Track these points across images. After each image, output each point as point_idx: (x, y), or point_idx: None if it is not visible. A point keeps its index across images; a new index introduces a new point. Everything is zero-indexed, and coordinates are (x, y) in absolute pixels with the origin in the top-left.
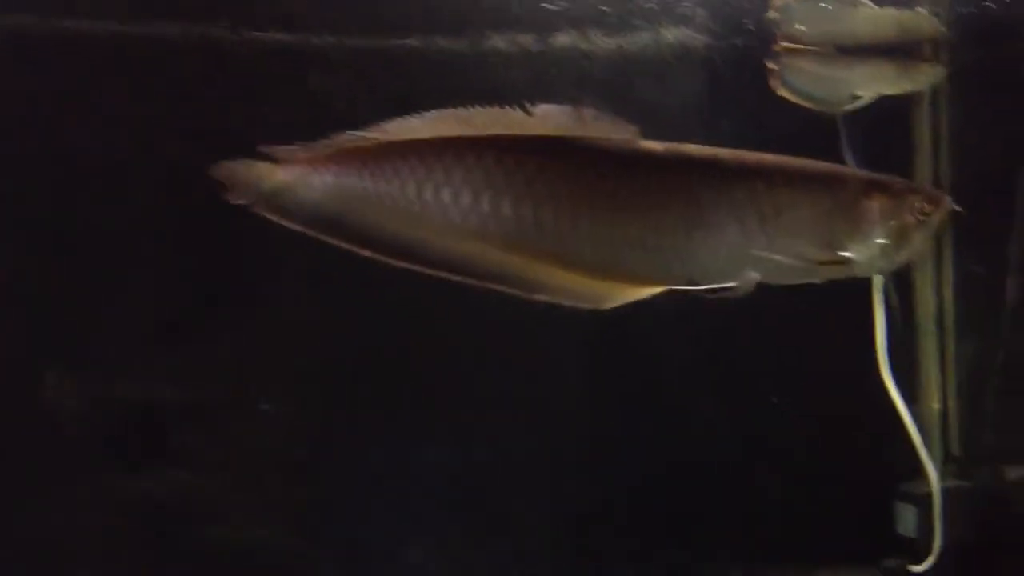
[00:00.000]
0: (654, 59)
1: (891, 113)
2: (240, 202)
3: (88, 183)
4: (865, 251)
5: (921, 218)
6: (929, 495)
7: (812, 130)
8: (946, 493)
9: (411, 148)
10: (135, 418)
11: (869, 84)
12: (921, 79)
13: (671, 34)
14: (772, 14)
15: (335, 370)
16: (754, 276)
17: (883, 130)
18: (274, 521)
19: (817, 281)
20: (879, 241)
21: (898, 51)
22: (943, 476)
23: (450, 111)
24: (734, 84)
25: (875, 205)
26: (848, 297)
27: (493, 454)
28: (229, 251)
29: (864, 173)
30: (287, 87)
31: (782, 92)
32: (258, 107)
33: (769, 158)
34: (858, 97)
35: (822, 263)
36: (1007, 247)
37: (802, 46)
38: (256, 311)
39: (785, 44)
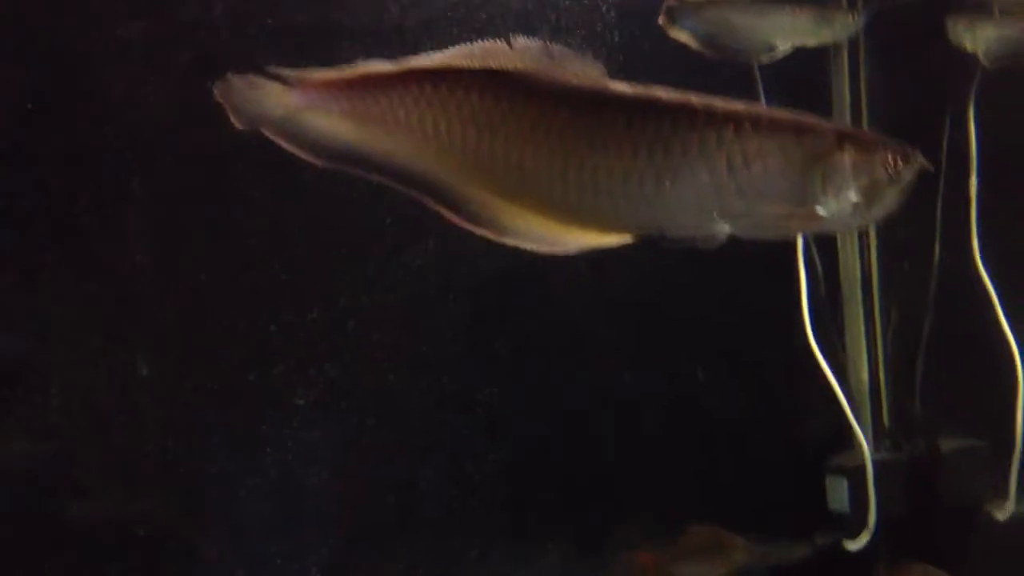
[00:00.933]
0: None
1: (808, 65)
2: (243, 126)
3: None
4: (836, 206)
5: (892, 174)
6: (861, 468)
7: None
8: (879, 466)
9: (412, 78)
10: None
11: (785, 34)
12: (839, 29)
13: None
14: None
15: (212, 336)
16: (724, 228)
17: (800, 82)
18: (148, 495)
19: (788, 236)
20: (851, 196)
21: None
22: (874, 448)
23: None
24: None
25: (847, 158)
26: (772, 266)
27: (388, 424)
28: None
29: (836, 124)
30: None
31: (675, 35)
32: None
33: (739, 105)
34: (774, 47)
35: (793, 217)
36: (932, 208)
37: None
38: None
39: None
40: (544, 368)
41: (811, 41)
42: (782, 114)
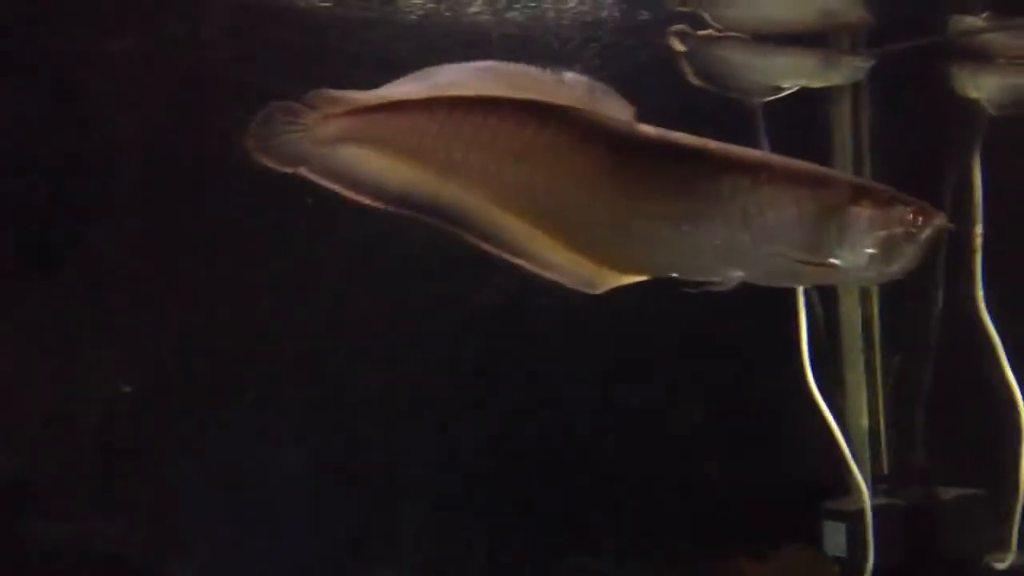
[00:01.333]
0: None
1: (811, 107)
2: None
3: None
4: (851, 258)
5: (910, 231)
6: (860, 513)
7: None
8: (877, 511)
9: (445, 105)
10: None
11: (791, 75)
12: (845, 72)
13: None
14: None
15: (184, 356)
16: (737, 274)
17: (802, 124)
18: (115, 515)
19: (803, 285)
20: (866, 250)
21: (822, 42)
22: (872, 494)
23: (491, 65)
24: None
25: (862, 212)
26: (773, 309)
27: (350, 445)
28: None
29: (854, 178)
30: None
31: (692, 78)
32: None
33: (756, 153)
34: (780, 88)
35: (807, 267)
36: (935, 254)
37: (716, 32)
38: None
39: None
40: (540, 406)
41: (816, 83)
42: (799, 165)
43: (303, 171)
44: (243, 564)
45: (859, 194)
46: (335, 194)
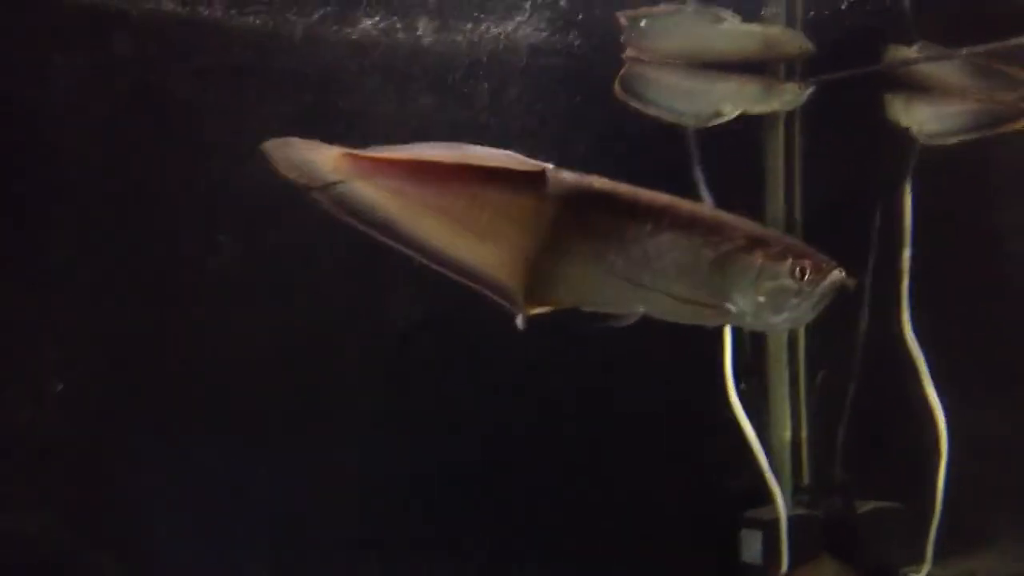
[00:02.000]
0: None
1: (745, 132)
2: (292, 179)
3: None
4: (743, 305)
5: (800, 284)
6: (775, 522)
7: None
8: (793, 521)
9: (468, 173)
10: None
11: (732, 101)
12: (786, 98)
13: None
14: (622, 24)
15: (116, 357)
16: (639, 309)
17: (736, 149)
18: (49, 512)
19: (701, 323)
20: (756, 298)
21: (764, 69)
22: (792, 504)
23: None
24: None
25: (753, 262)
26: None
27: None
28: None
29: (756, 228)
30: None
31: (621, 96)
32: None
33: (663, 199)
34: (722, 114)
35: (704, 309)
36: (861, 276)
37: (649, 58)
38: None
39: (631, 54)
40: (472, 424)
41: (757, 109)
42: (703, 211)
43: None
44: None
45: (753, 244)
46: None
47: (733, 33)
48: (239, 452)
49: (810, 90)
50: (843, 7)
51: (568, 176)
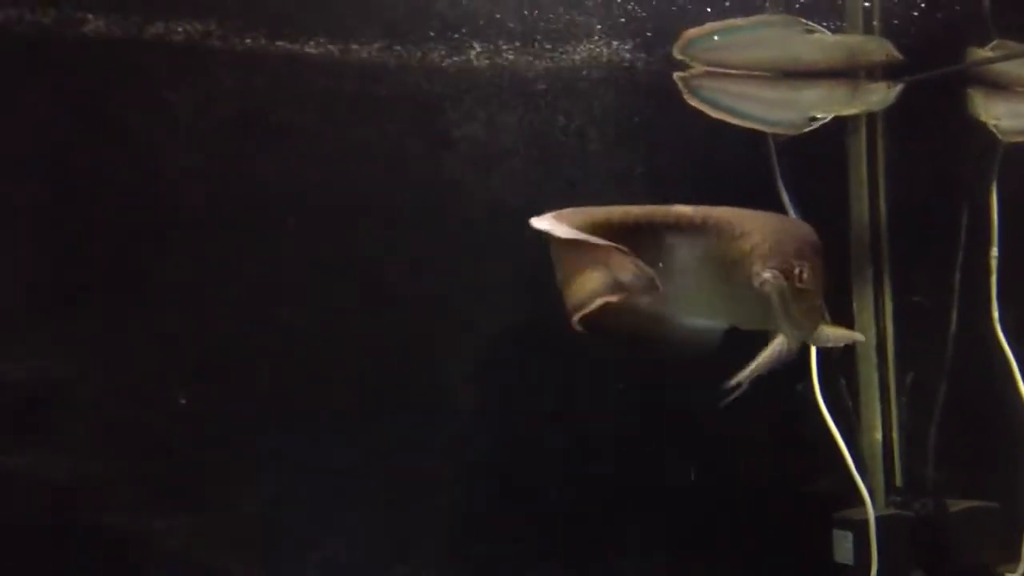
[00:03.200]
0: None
1: (826, 137)
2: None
3: None
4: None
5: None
6: (866, 522)
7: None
8: (883, 521)
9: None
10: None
11: (823, 106)
12: (875, 99)
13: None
14: (679, 47)
15: (236, 361)
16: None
17: (818, 154)
18: (170, 511)
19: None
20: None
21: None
22: (884, 505)
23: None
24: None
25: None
26: None
27: (404, 449)
28: (121, 235)
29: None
30: None
31: (693, 103)
32: None
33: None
34: (815, 119)
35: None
36: (951, 275)
37: (729, 71)
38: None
39: (702, 69)
40: (559, 429)
41: (848, 111)
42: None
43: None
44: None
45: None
46: None
47: (822, 43)
48: (365, 456)
49: (899, 89)
50: (917, 12)
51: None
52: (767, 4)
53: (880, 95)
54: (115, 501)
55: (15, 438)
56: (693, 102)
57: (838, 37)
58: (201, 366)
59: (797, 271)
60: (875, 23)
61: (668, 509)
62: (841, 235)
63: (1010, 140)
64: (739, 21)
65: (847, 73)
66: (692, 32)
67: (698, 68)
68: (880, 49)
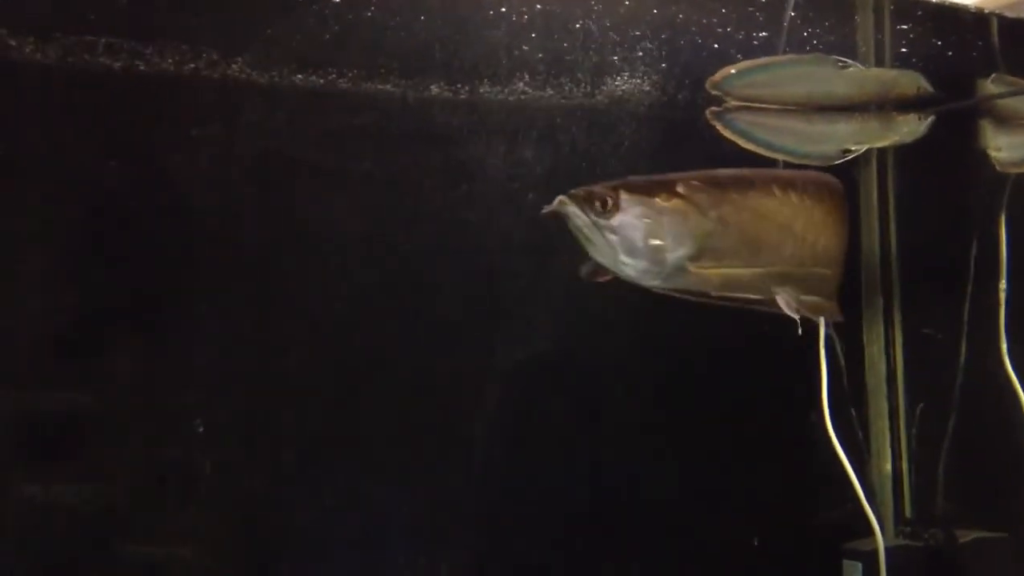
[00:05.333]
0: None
1: (837, 174)
2: None
3: None
4: None
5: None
6: (875, 553)
7: None
8: (893, 552)
9: None
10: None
11: (856, 138)
12: (906, 130)
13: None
14: (715, 83)
15: (263, 386)
16: None
17: None
18: (195, 542)
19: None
20: None
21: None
22: (894, 535)
23: None
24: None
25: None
26: (799, 358)
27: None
28: (148, 260)
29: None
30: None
31: (725, 133)
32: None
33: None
34: (848, 152)
35: None
36: (960, 307)
37: (763, 106)
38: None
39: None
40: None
41: (880, 144)
42: None
43: None
44: None
45: None
46: None
47: (856, 77)
48: (383, 483)
49: (930, 121)
50: (928, 48)
51: None
52: (786, 48)
53: (911, 127)
54: (141, 529)
55: (42, 467)
56: (727, 134)
57: (872, 71)
58: (224, 395)
59: (599, 202)
60: (887, 57)
61: (675, 539)
62: (852, 266)
63: (1007, 171)
64: (774, 59)
65: (879, 106)
66: (727, 69)
67: (732, 103)
68: (911, 82)
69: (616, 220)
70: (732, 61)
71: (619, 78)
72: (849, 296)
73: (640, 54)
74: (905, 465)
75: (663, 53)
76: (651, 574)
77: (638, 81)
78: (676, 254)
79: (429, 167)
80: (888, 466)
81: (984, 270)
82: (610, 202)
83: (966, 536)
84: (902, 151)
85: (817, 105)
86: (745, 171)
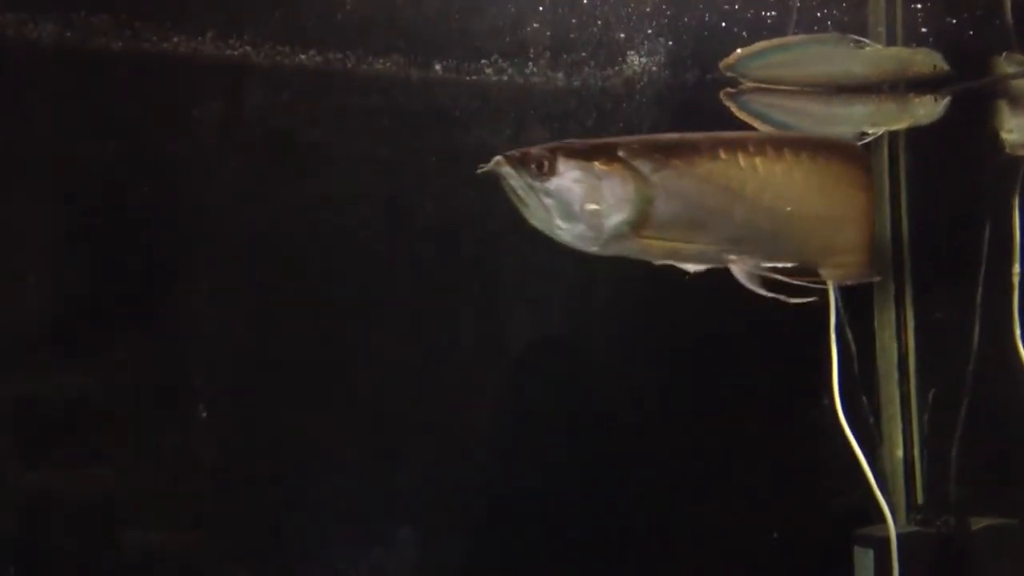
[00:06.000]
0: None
1: None
2: None
3: None
4: None
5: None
6: (887, 540)
7: None
8: (905, 539)
9: None
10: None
11: (873, 120)
12: (923, 112)
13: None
14: (729, 64)
15: (261, 376)
16: None
17: None
18: (194, 527)
19: None
20: None
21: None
22: (906, 522)
23: None
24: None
25: None
26: (810, 348)
27: (426, 467)
28: (149, 250)
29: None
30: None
31: (740, 115)
32: None
33: None
34: (866, 134)
35: None
36: (973, 292)
37: (782, 87)
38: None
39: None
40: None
41: (898, 126)
42: None
43: None
44: None
45: None
46: None
47: (873, 56)
48: (392, 482)
49: (946, 102)
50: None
51: None
52: (795, 28)
53: (927, 108)
54: (143, 517)
55: (42, 455)
56: (742, 115)
57: (889, 49)
58: (225, 381)
59: (535, 164)
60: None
61: (686, 527)
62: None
63: (1018, 153)
64: (789, 39)
65: (896, 87)
66: (742, 50)
67: (748, 85)
68: (927, 60)
69: (552, 183)
70: (741, 41)
71: (627, 58)
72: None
73: (649, 33)
74: (917, 451)
75: (671, 33)
76: (662, 561)
77: (645, 61)
78: (614, 220)
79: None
80: (900, 452)
81: (997, 254)
82: (546, 164)
83: (979, 523)
84: (914, 133)
85: (835, 85)
86: (689, 135)
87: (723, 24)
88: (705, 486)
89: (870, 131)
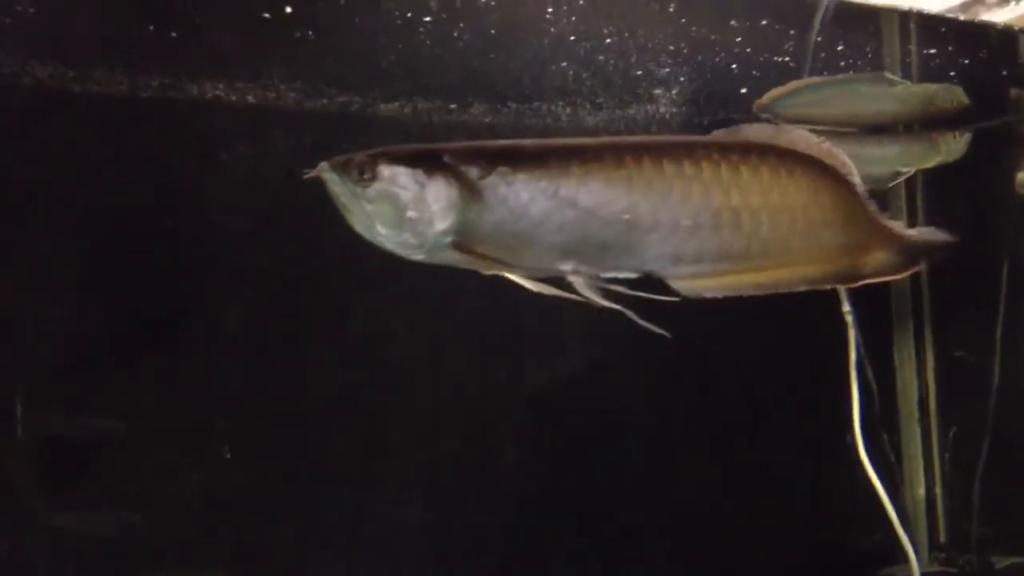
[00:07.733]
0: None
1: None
2: None
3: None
4: None
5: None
6: None
7: None
8: None
9: None
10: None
11: (905, 161)
12: (948, 150)
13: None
14: (762, 105)
15: (281, 414)
16: None
17: None
18: (211, 565)
19: None
20: None
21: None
22: (928, 561)
23: None
24: None
25: None
26: (831, 386)
27: (444, 504)
28: (167, 285)
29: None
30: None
31: None
32: None
33: None
34: (899, 174)
35: None
36: (992, 330)
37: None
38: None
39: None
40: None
41: (924, 165)
42: None
43: None
44: None
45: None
46: None
47: (904, 94)
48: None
49: (968, 138)
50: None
51: None
52: (807, 69)
53: (950, 146)
54: (164, 556)
55: (66, 493)
56: None
57: (917, 86)
58: (249, 421)
59: (357, 169)
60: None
61: (708, 567)
62: (882, 290)
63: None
64: (822, 79)
65: (924, 125)
66: (776, 90)
67: (780, 124)
68: (948, 96)
69: (373, 189)
70: (760, 81)
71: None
72: (878, 319)
73: (667, 72)
74: (939, 490)
75: (692, 73)
76: None
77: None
78: (437, 229)
79: None
80: (922, 491)
81: (1016, 291)
82: (368, 170)
83: (1002, 561)
84: (932, 169)
85: (866, 123)
86: (522, 141)
87: (741, 64)
88: (727, 526)
89: (903, 170)
